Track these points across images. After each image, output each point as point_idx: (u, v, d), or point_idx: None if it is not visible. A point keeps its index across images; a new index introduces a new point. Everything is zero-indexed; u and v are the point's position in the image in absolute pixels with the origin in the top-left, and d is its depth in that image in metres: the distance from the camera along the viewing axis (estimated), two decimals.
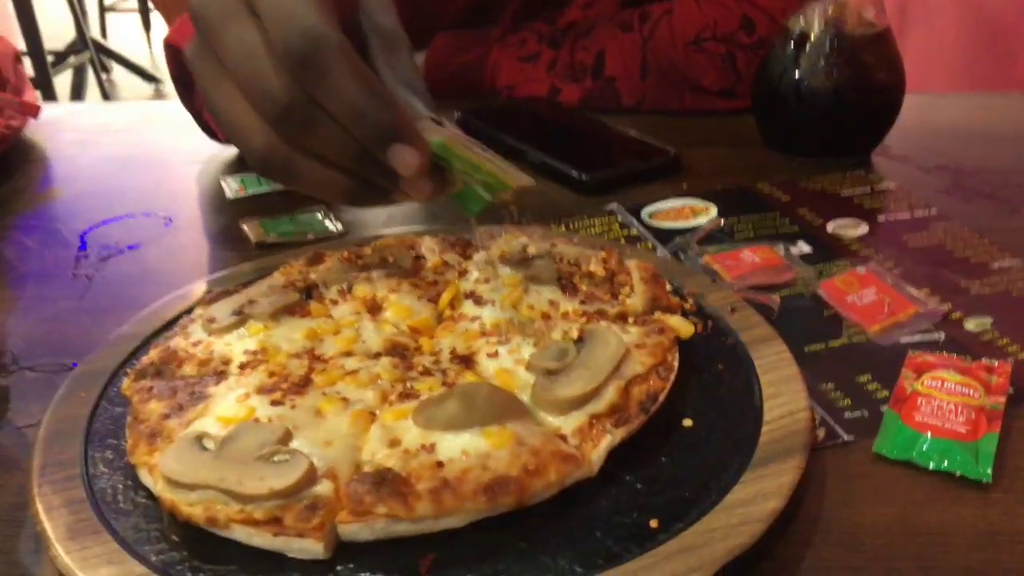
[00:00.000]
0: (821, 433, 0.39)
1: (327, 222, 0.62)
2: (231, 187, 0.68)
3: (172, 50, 0.71)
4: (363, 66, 0.41)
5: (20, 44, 3.71)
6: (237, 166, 0.72)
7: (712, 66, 0.78)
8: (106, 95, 3.88)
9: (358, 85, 0.40)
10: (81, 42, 3.85)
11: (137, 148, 0.79)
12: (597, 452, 0.35)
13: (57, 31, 4.14)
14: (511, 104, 0.83)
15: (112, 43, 4.39)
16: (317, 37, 0.39)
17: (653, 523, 0.33)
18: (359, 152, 0.42)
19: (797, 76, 0.65)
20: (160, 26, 4.76)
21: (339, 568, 0.32)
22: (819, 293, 0.49)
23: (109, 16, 4.72)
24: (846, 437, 0.39)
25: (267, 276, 0.48)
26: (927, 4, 1.32)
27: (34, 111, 0.74)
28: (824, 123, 0.66)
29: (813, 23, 0.65)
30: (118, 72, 4.24)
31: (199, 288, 0.50)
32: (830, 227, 0.57)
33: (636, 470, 0.36)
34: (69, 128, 0.83)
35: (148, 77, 4.11)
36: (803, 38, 0.66)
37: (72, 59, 3.79)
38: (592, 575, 0.31)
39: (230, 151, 0.76)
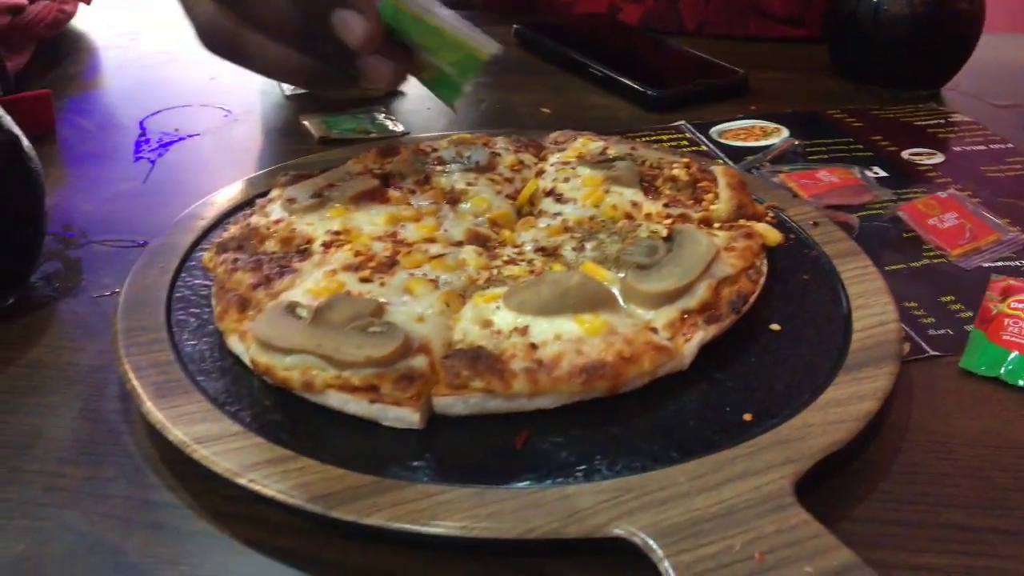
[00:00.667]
0: (907, 347, 0.39)
1: (388, 122, 0.61)
2: (286, 84, 0.67)
3: None
4: None
5: None
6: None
7: None
8: None
9: None
10: None
11: (187, 42, 0.77)
12: (689, 346, 0.35)
13: None
14: (570, 20, 0.81)
15: None
16: None
17: (747, 416, 0.33)
18: (302, 21, 0.40)
19: (875, 2, 0.64)
20: None
21: (432, 438, 0.32)
22: (899, 215, 0.48)
23: None
24: (932, 352, 0.39)
25: (340, 165, 0.48)
26: None
27: None
28: (900, 51, 0.64)
29: None
30: None
31: (261, 176, 0.49)
32: (905, 154, 0.56)
33: (726, 368, 0.36)
34: (118, 18, 0.81)
35: None
36: None
37: None
38: (689, 460, 0.31)
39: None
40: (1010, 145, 0.58)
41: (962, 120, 0.62)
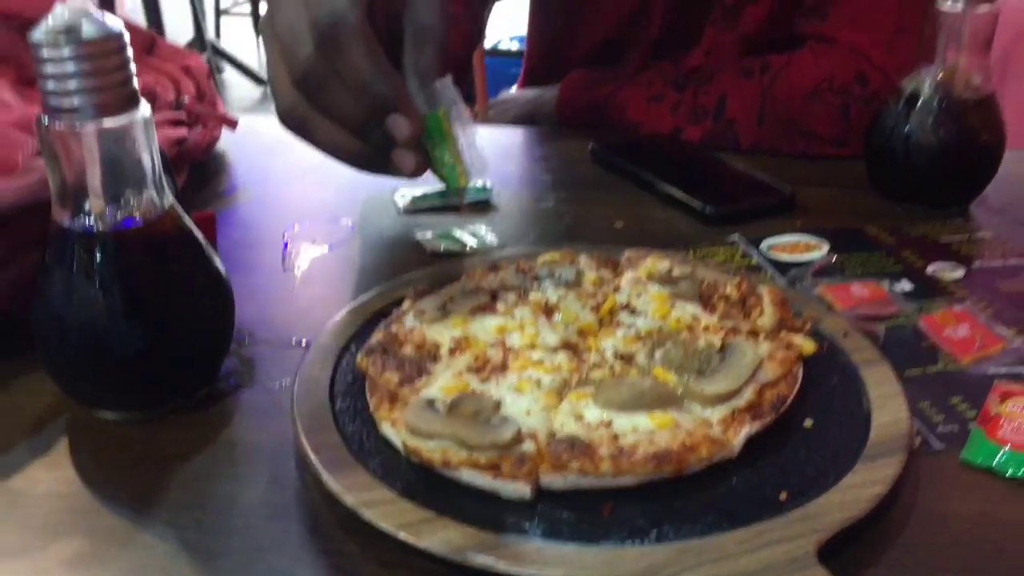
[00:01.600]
0: (918, 441, 0.48)
1: (487, 236, 0.72)
2: (401, 200, 0.79)
3: None
4: (376, 48, 0.54)
5: None
6: (401, 181, 0.84)
7: (826, 116, 0.87)
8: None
9: (367, 61, 0.53)
10: (199, 43, 4.09)
11: (313, 159, 0.91)
12: (738, 439, 0.45)
13: (173, 30, 4.40)
14: (638, 139, 0.93)
15: (225, 44, 4.63)
16: (340, 16, 0.52)
17: (783, 495, 0.42)
18: (364, 117, 0.54)
19: (906, 131, 0.74)
20: None
21: (539, 506, 0.42)
22: (919, 326, 0.58)
23: (223, 18, 4.97)
24: (938, 446, 0.48)
25: (456, 279, 0.59)
26: None
27: (232, 123, 0.87)
28: (928, 175, 0.74)
29: (924, 85, 0.73)
30: (229, 72, 4.46)
31: (392, 287, 0.61)
32: (930, 269, 0.65)
33: (768, 456, 0.45)
34: (251, 137, 0.96)
35: (257, 79, 4.33)
36: (914, 97, 0.74)
37: None
38: (736, 529, 0.40)
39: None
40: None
41: (984, 237, 0.71)
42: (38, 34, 0.44)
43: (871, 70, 0.86)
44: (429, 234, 0.72)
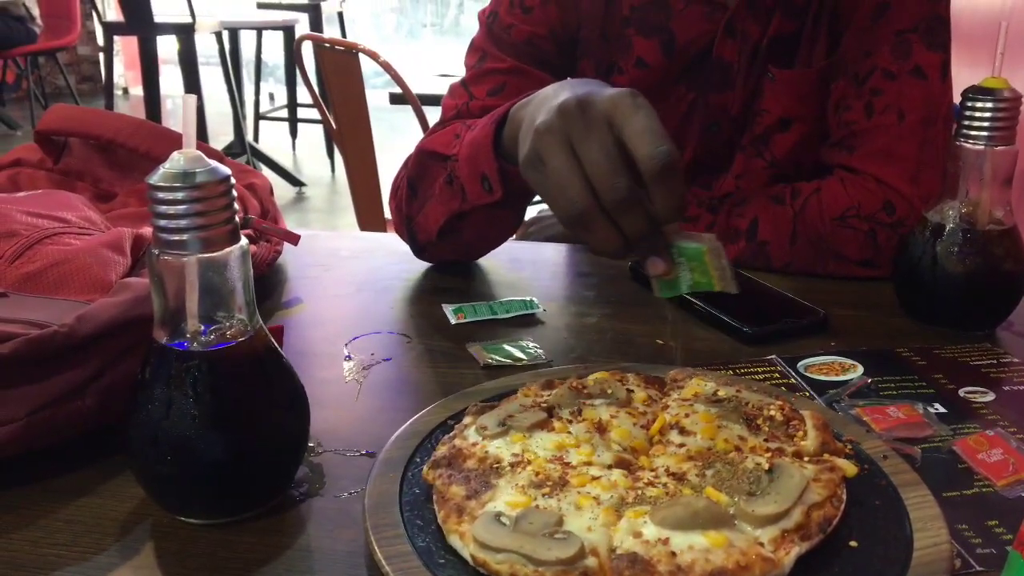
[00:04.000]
0: (958, 563, 0.50)
1: (535, 351, 0.77)
2: (452, 315, 0.84)
3: (426, 156, 0.91)
4: (684, 180, 0.62)
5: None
6: (450, 295, 0.89)
7: (855, 240, 0.92)
8: None
9: (684, 195, 0.61)
10: (239, 145, 4.26)
11: (367, 274, 0.97)
12: (788, 558, 0.47)
13: (213, 130, 4.59)
14: None
15: (261, 146, 4.82)
16: (677, 158, 0.60)
17: None
18: (647, 233, 0.62)
19: (933, 260, 0.78)
20: (304, 134, 5.20)
21: None
22: (954, 449, 0.60)
23: (261, 122, 5.18)
24: (978, 568, 0.50)
25: (512, 394, 0.63)
26: None
27: (295, 239, 0.93)
28: (955, 302, 0.78)
29: (949, 216, 0.78)
30: (265, 174, 4.61)
31: (451, 400, 0.65)
32: (962, 392, 0.69)
33: (815, 575, 0.48)
34: (308, 252, 1.01)
35: (293, 181, 4.48)
36: (940, 228, 0.78)
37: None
38: None
39: (443, 280, 0.93)
40: None
41: (1011, 361, 0.74)
42: (155, 178, 0.49)
43: (897, 199, 0.91)
44: (479, 348, 0.77)
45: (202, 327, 0.52)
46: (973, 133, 0.75)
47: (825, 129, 0.99)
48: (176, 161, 0.50)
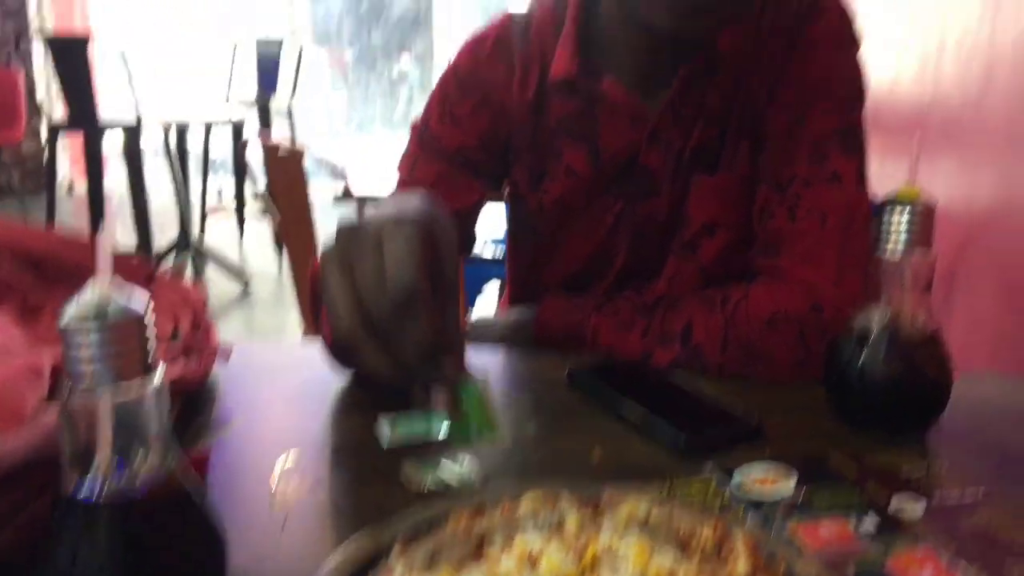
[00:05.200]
0: None
1: (469, 469, 0.75)
2: (385, 436, 0.82)
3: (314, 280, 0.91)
4: (436, 311, 0.65)
5: (131, 239, 4.10)
6: (386, 406, 0.87)
7: (784, 342, 0.93)
8: None
9: (431, 323, 0.64)
10: (184, 241, 4.24)
11: (302, 388, 0.95)
12: None
13: (158, 224, 4.55)
14: (613, 363, 0.98)
15: (209, 239, 4.80)
16: (414, 290, 0.63)
17: None
18: (419, 358, 0.64)
19: (859, 367, 0.79)
20: (252, 230, 5.20)
21: None
22: (887, 567, 0.60)
23: (208, 215, 5.17)
24: None
25: (442, 524, 0.61)
26: (970, 282, 1.48)
27: (227, 355, 0.91)
28: (883, 408, 0.79)
29: (873, 323, 0.80)
30: (211, 271, 4.59)
31: (379, 530, 0.63)
32: (892, 504, 0.69)
33: None
34: (241, 365, 0.99)
35: (239, 277, 4.45)
36: (865, 334, 0.80)
37: (173, 258, 4.16)
38: None
39: (378, 396, 0.91)
40: (982, 491, 0.71)
41: (941, 467, 0.75)
42: (67, 319, 0.48)
43: (823, 301, 0.93)
44: (413, 471, 0.75)
45: (115, 467, 0.50)
46: (890, 244, 0.78)
47: (751, 234, 1.02)
48: (89, 298, 0.49)
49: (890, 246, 0.78)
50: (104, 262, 0.51)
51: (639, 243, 1.05)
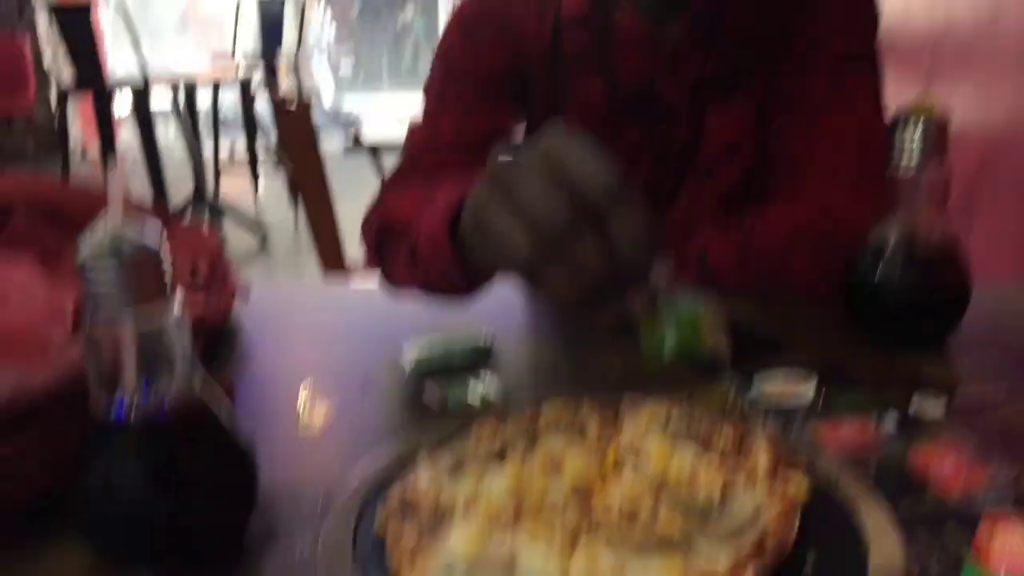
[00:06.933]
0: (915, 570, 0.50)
1: (491, 388, 0.76)
2: (407, 361, 0.83)
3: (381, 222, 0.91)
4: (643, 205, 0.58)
5: (146, 198, 4.12)
6: (407, 342, 0.88)
7: (802, 262, 0.93)
8: None
9: (642, 231, 0.57)
10: (199, 198, 4.25)
11: (322, 323, 0.96)
12: None
13: (172, 182, 4.56)
14: None
15: (224, 190, 4.80)
16: (619, 180, 0.57)
17: None
18: (603, 268, 0.57)
19: (877, 280, 0.79)
20: (266, 185, 5.20)
21: None
22: (908, 462, 0.61)
23: (222, 166, 5.17)
24: None
25: (465, 434, 0.62)
26: (994, 186, 1.47)
27: (246, 294, 0.92)
28: (902, 319, 0.79)
29: (889, 237, 0.79)
30: (227, 225, 4.60)
31: (404, 446, 0.64)
32: (913, 404, 0.69)
33: None
34: (262, 303, 1.00)
35: (256, 230, 4.46)
36: (881, 248, 0.80)
37: (189, 214, 4.18)
38: None
39: (398, 328, 0.92)
40: (1003, 391, 0.71)
41: (962, 370, 0.75)
42: (83, 255, 0.48)
43: (841, 222, 0.92)
44: (435, 391, 0.76)
45: (142, 393, 0.51)
46: (905, 158, 0.77)
47: (769, 159, 1.01)
48: (103, 233, 0.49)
49: (905, 160, 0.77)
50: (116, 197, 0.51)
51: (656, 170, 1.04)
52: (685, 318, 0.61)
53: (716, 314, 0.61)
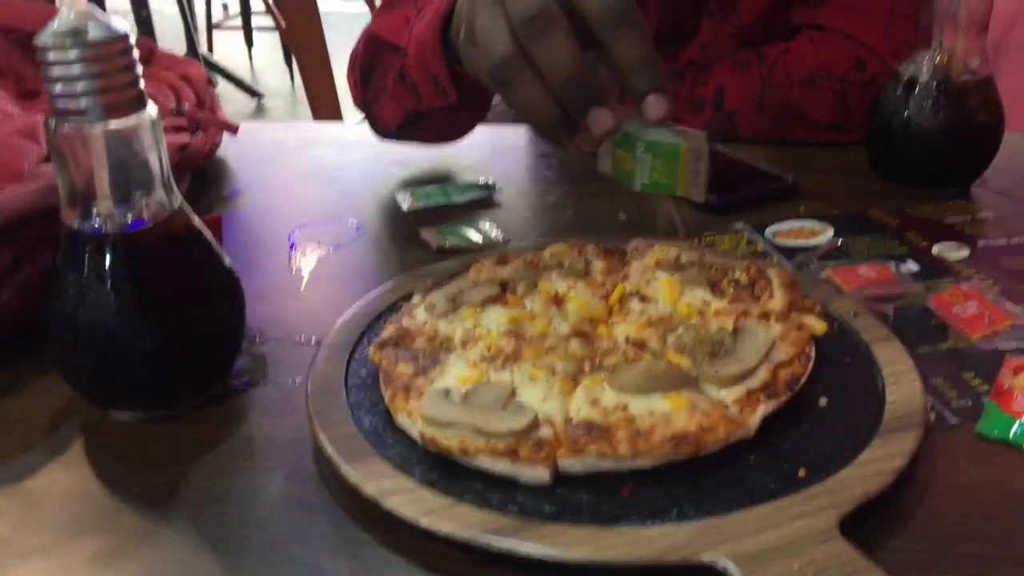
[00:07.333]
0: (932, 416, 0.48)
1: (492, 232, 0.73)
2: (405, 200, 0.79)
3: (376, 43, 0.84)
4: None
5: None
6: (405, 183, 0.84)
7: (825, 102, 0.87)
8: None
9: (648, 44, 0.52)
10: (192, 56, 4.10)
11: (314, 164, 0.91)
12: (754, 418, 0.45)
13: (166, 45, 4.40)
14: None
15: (217, 57, 4.64)
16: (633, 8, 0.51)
17: (802, 472, 0.43)
18: (577, 77, 0.52)
19: (906, 116, 0.74)
20: (260, 43, 5.02)
21: (558, 491, 0.42)
22: (928, 305, 0.58)
23: (215, 32, 4.98)
24: (953, 420, 0.48)
25: (464, 272, 0.59)
26: (1022, 45, 1.39)
27: (233, 129, 0.87)
28: (929, 159, 0.75)
29: (922, 69, 0.74)
30: (223, 86, 4.46)
31: (400, 282, 0.61)
32: (935, 249, 0.66)
33: (784, 434, 0.45)
34: (251, 144, 0.96)
35: (251, 92, 4.34)
36: (912, 82, 0.74)
37: None
38: (757, 506, 0.40)
39: (395, 168, 0.88)
40: None
41: (987, 217, 0.71)
42: (44, 37, 0.44)
43: (868, 56, 0.86)
44: (434, 231, 0.72)
45: (116, 209, 0.48)
46: None
47: None
48: (66, 18, 0.44)
49: None
50: None
51: (673, 3, 0.97)
52: (660, 150, 0.58)
53: (696, 147, 0.58)
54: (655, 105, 0.53)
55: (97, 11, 0.45)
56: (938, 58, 0.73)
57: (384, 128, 0.89)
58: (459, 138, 0.90)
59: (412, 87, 0.78)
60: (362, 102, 0.89)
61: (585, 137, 0.56)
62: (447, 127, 0.87)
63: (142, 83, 0.47)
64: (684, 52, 0.98)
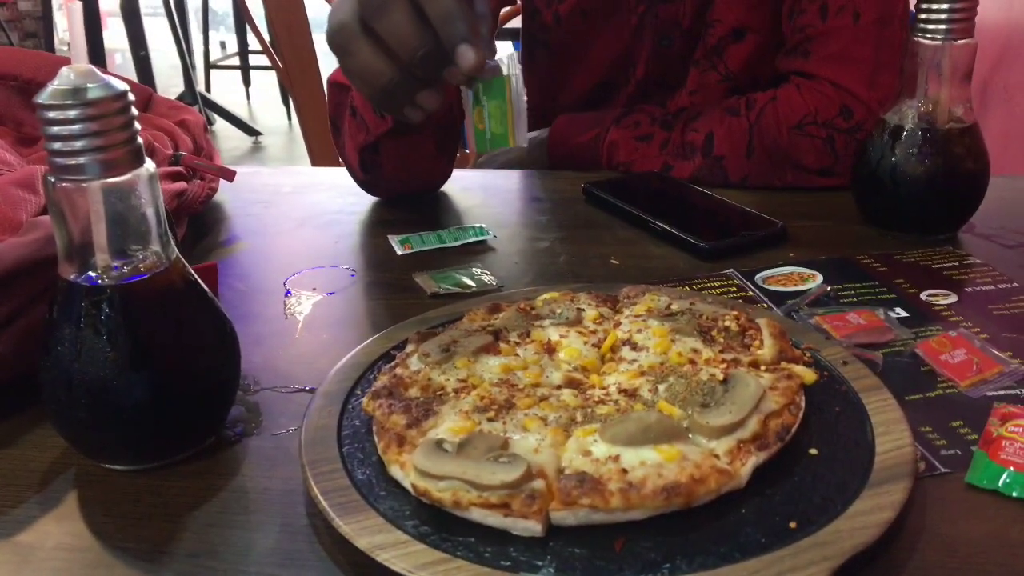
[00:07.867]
0: (922, 466, 0.48)
1: (485, 277, 0.73)
2: (397, 245, 0.80)
3: (333, 88, 0.85)
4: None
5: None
6: (396, 227, 0.85)
7: (813, 148, 0.89)
8: None
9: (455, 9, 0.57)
10: (190, 95, 4.13)
11: (310, 208, 0.92)
12: (745, 469, 0.45)
13: (164, 84, 4.44)
14: (630, 177, 0.94)
15: (215, 96, 4.68)
16: None
17: (792, 524, 0.43)
18: (418, 46, 0.57)
19: (893, 163, 0.75)
20: (258, 82, 5.07)
21: (551, 544, 0.42)
22: (916, 352, 0.58)
23: (213, 71, 5.03)
24: (943, 469, 0.48)
25: (458, 321, 0.60)
26: (1007, 87, 1.41)
27: (230, 175, 0.88)
28: (916, 206, 0.76)
29: (908, 117, 0.75)
30: (220, 124, 4.50)
31: (394, 330, 0.61)
32: (923, 296, 0.66)
33: (775, 485, 0.46)
34: (248, 189, 0.97)
35: (248, 130, 4.37)
36: (898, 130, 0.76)
37: None
38: (748, 559, 0.41)
39: (389, 212, 0.89)
40: (1015, 284, 0.68)
41: (974, 263, 0.72)
42: (44, 96, 0.45)
43: (854, 103, 0.88)
44: (427, 276, 0.73)
45: (113, 262, 0.48)
46: (931, 27, 0.72)
47: (779, 37, 0.96)
48: (66, 77, 0.45)
49: (929, 31, 0.72)
50: (79, 36, 0.47)
51: (661, 51, 0.98)
52: (491, 89, 0.62)
53: (518, 76, 0.63)
54: (466, 53, 0.58)
55: (97, 70, 0.46)
56: (923, 107, 0.74)
57: (356, 176, 0.90)
58: (432, 177, 0.92)
59: (361, 119, 0.80)
60: (340, 154, 0.91)
61: (432, 94, 0.61)
62: (405, 157, 0.87)
63: (140, 139, 0.47)
64: (673, 99, 0.99)
